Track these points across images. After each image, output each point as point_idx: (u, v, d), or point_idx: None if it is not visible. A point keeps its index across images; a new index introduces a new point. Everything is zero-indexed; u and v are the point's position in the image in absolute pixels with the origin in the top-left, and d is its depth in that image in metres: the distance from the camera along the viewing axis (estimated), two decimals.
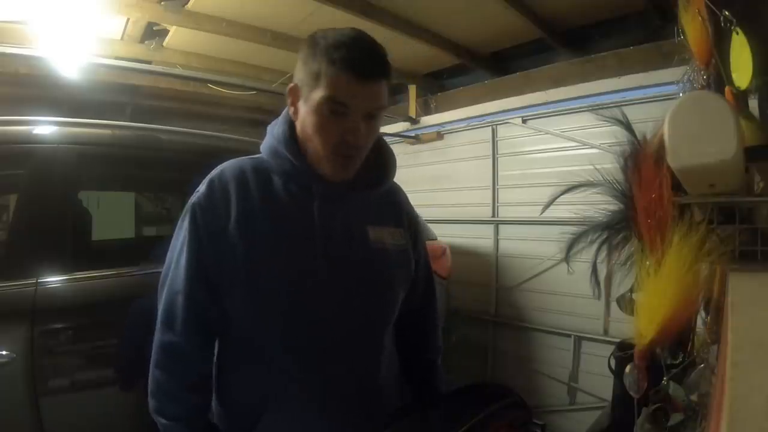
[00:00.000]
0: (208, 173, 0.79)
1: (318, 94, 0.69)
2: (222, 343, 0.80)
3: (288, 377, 0.75)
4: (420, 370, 0.96)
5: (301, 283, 0.74)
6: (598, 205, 0.79)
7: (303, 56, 0.72)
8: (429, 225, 2.18)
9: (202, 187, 0.76)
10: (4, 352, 1.07)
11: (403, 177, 0.94)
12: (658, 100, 2.16)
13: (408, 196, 0.96)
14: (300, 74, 0.73)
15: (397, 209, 0.89)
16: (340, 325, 0.76)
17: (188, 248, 0.74)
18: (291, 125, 0.78)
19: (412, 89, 3.35)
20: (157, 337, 0.75)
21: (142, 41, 2.77)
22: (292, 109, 0.76)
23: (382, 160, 0.85)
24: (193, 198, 0.76)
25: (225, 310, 0.75)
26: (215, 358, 0.80)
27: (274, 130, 0.80)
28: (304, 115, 0.73)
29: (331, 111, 0.70)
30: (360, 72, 0.68)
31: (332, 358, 0.75)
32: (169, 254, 0.77)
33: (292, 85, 0.75)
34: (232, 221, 0.73)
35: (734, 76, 0.70)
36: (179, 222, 0.77)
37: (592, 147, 2.43)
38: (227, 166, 0.79)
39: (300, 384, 0.75)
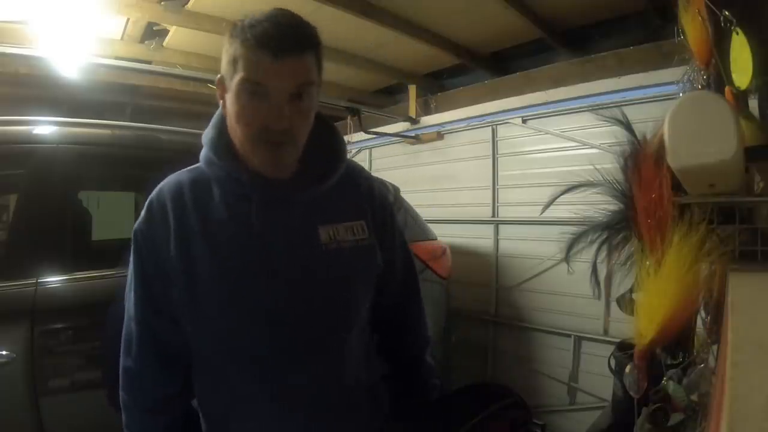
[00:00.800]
0: None
1: (236, 76, 0.64)
2: (191, 357, 0.77)
3: (249, 394, 0.72)
4: (405, 368, 0.91)
5: (246, 303, 0.69)
6: (598, 205, 0.79)
7: (225, 44, 0.66)
8: (429, 225, 2.18)
9: (143, 212, 0.73)
10: (4, 352, 1.07)
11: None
12: (658, 100, 2.15)
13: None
14: (222, 64, 0.67)
15: (357, 198, 0.80)
16: (297, 338, 0.71)
17: (135, 276, 0.72)
18: (221, 128, 0.72)
19: (412, 89, 3.35)
20: (120, 361, 0.75)
21: (142, 41, 2.77)
22: (221, 104, 0.71)
23: (329, 150, 0.77)
24: (136, 224, 0.73)
25: (181, 332, 0.72)
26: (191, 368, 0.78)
27: (207, 135, 0.74)
28: (228, 108, 0.68)
29: (250, 94, 0.63)
30: (274, 48, 0.61)
31: (292, 369, 0.71)
32: (127, 278, 0.75)
33: (218, 77, 0.69)
34: (172, 246, 0.69)
35: (734, 76, 0.70)
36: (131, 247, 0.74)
37: (592, 147, 2.43)
38: (165, 184, 0.74)
39: (261, 401, 0.72)
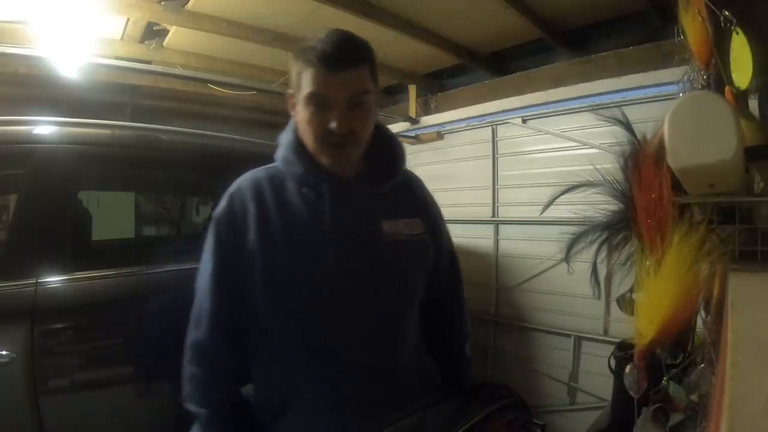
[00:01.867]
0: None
1: (302, 93, 0.76)
2: (254, 338, 0.85)
3: (308, 374, 0.80)
4: (446, 358, 0.98)
5: (316, 282, 0.79)
6: (598, 205, 0.79)
7: (292, 64, 0.80)
8: None
9: (222, 202, 0.84)
10: (4, 352, 1.07)
11: None
12: (658, 100, 2.15)
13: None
14: (291, 80, 0.80)
15: (413, 200, 0.92)
16: (358, 320, 0.80)
17: (212, 258, 0.82)
18: (296, 133, 0.84)
19: (412, 89, 3.35)
20: (189, 334, 0.84)
21: (142, 41, 2.77)
22: (293, 113, 0.83)
23: (390, 154, 0.89)
24: (216, 212, 0.84)
25: (248, 312, 0.81)
26: (253, 350, 0.86)
27: (283, 138, 0.86)
28: (298, 115, 0.80)
29: (314, 105, 0.75)
30: (330, 64, 0.73)
31: (351, 352, 0.79)
32: (200, 264, 0.85)
33: (289, 92, 0.82)
34: (251, 231, 0.79)
35: (734, 76, 0.70)
36: (207, 234, 0.84)
37: (592, 147, 2.43)
38: (244, 179, 0.85)
39: (320, 381, 0.79)
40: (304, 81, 0.76)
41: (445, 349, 0.99)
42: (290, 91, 0.82)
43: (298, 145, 0.82)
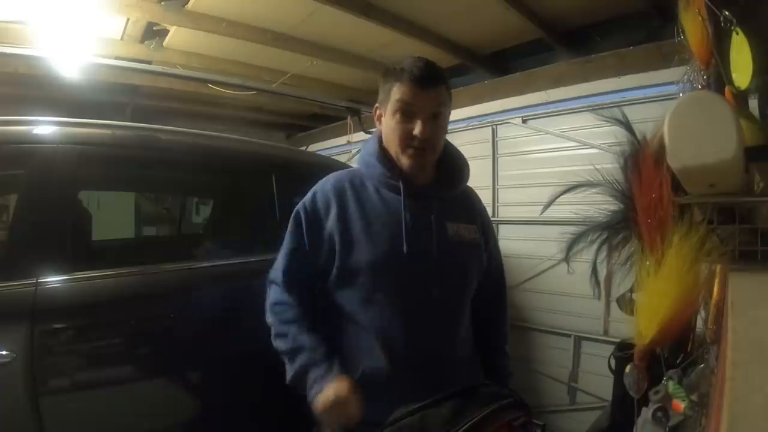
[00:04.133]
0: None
1: (392, 100, 0.92)
2: (326, 321, 0.97)
3: (370, 355, 0.90)
4: (487, 354, 1.10)
5: (391, 268, 0.91)
6: (598, 205, 0.79)
7: (381, 83, 0.97)
8: None
9: (308, 196, 0.99)
10: (4, 352, 1.07)
11: None
12: (658, 100, 2.15)
13: None
14: (380, 96, 0.97)
15: (471, 209, 1.07)
16: (424, 306, 0.92)
17: (289, 239, 0.99)
18: (380, 141, 0.99)
19: None
20: (267, 301, 1.00)
21: (142, 41, 2.76)
22: (378, 125, 1.00)
23: (457, 167, 1.04)
24: (300, 204, 0.99)
25: (321, 287, 0.97)
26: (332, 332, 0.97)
27: (367, 146, 1.03)
28: (385, 124, 0.96)
29: (402, 112, 0.91)
30: (419, 80, 0.90)
31: (415, 336, 0.91)
32: (280, 252, 1.01)
33: (376, 105, 0.99)
34: (331, 219, 0.94)
35: (734, 76, 0.70)
36: (289, 224, 0.99)
37: (592, 147, 2.43)
38: (328, 179, 1.01)
39: (382, 361, 0.90)
40: (394, 95, 0.92)
41: (489, 346, 1.10)
42: (377, 105, 0.99)
43: (381, 152, 0.98)
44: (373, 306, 0.91)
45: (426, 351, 0.92)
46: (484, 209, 1.12)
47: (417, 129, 0.90)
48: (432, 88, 0.92)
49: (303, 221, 0.97)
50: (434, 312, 0.94)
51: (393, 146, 0.95)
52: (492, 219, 2.85)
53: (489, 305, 1.10)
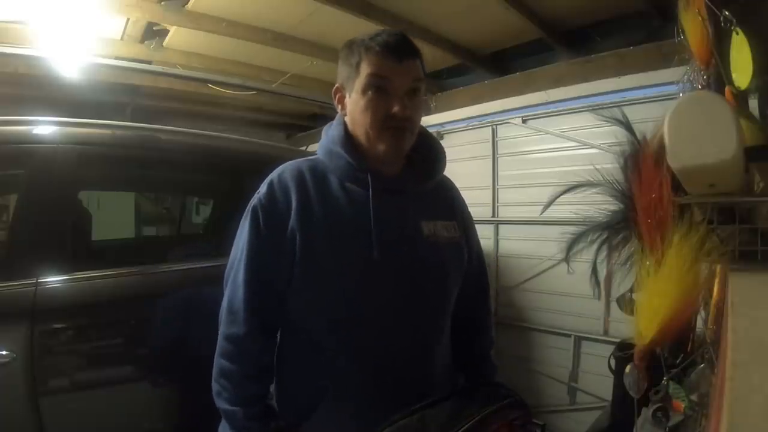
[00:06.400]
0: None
1: (362, 75, 0.78)
2: (282, 336, 0.85)
3: (339, 374, 0.79)
4: (471, 360, 0.99)
5: (355, 272, 0.78)
6: (598, 205, 0.78)
7: (342, 57, 0.82)
8: None
9: (262, 189, 0.82)
10: (4, 352, 1.07)
11: None
12: (658, 100, 2.15)
13: None
14: (341, 73, 0.83)
15: (450, 203, 0.94)
16: (397, 313, 0.80)
17: (248, 246, 0.79)
18: (345, 126, 0.84)
19: None
20: (221, 329, 0.81)
21: (142, 41, 2.77)
22: (340, 108, 0.85)
23: (431, 155, 0.91)
24: (254, 200, 0.82)
25: (284, 303, 0.80)
26: (276, 349, 0.85)
27: (330, 132, 0.87)
28: (352, 105, 0.81)
29: (375, 87, 0.77)
30: (395, 51, 0.77)
31: (389, 341, 0.79)
32: (232, 252, 0.83)
33: (336, 86, 0.85)
34: (292, 215, 0.78)
35: (734, 76, 0.70)
36: (242, 221, 0.82)
37: (592, 147, 2.43)
38: (286, 168, 0.84)
39: (353, 380, 0.79)
40: (364, 70, 0.78)
41: (472, 353, 0.99)
42: (337, 84, 0.84)
43: (347, 139, 0.83)
44: (340, 318, 0.79)
45: (403, 365, 0.81)
46: (463, 201, 0.99)
47: (396, 106, 0.77)
48: (410, 59, 0.79)
49: (261, 224, 0.80)
50: (409, 323, 0.81)
51: (364, 130, 0.80)
52: (492, 219, 2.89)
53: (470, 309, 0.98)
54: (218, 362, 0.80)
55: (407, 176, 0.86)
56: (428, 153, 0.90)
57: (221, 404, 0.79)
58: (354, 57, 0.79)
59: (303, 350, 0.82)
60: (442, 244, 0.86)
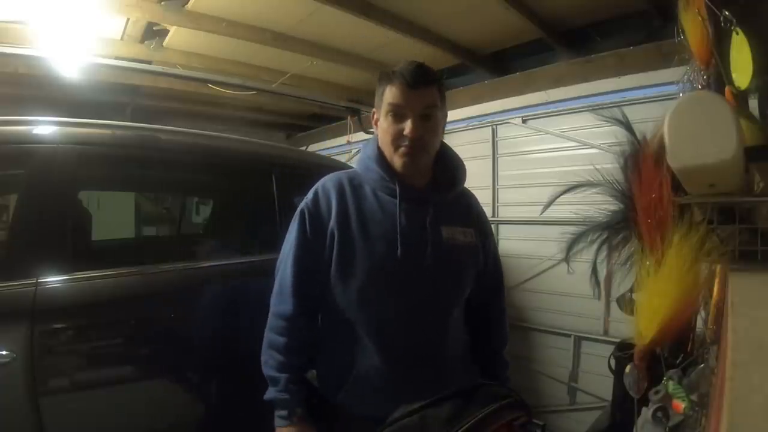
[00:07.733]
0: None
1: (384, 102, 0.94)
2: (322, 320, 1.01)
3: (366, 354, 0.93)
4: (483, 358, 1.10)
5: (386, 270, 0.93)
6: (598, 205, 0.78)
7: (376, 88, 0.98)
8: None
9: (309, 195, 1.00)
10: (4, 352, 1.07)
11: None
12: (658, 100, 2.16)
13: None
14: (376, 101, 0.99)
15: (468, 211, 1.08)
16: (417, 307, 0.94)
17: (297, 242, 0.97)
18: (376, 145, 1.00)
19: None
20: (272, 309, 0.98)
21: (142, 41, 2.76)
22: (375, 129, 1.01)
23: (452, 170, 1.05)
24: (302, 204, 0.99)
25: (324, 291, 0.96)
26: (318, 330, 1.00)
27: (366, 148, 1.04)
28: (380, 127, 0.98)
29: (393, 114, 0.93)
30: (408, 81, 0.91)
31: (409, 332, 0.93)
32: (283, 247, 1.01)
33: (373, 111, 1.01)
34: (332, 220, 0.95)
35: (734, 76, 0.70)
36: (291, 222, 1.00)
37: (592, 147, 2.43)
38: (329, 178, 1.02)
39: (377, 361, 0.92)
40: (386, 98, 0.94)
41: (484, 349, 1.11)
42: (374, 109, 1.01)
43: (379, 155, 0.98)
44: (367, 306, 0.93)
45: (418, 350, 0.94)
46: (482, 211, 1.13)
47: (407, 129, 0.92)
48: (421, 88, 0.93)
49: (308, 221, 0.97)
50: (426, 313, 0.96)
51: (387, 148, 0.96)
52: (492, 219, 2.88)
53: (485, 308, 1.11)
54: (268, 336, 0.97)
55: (431, 188, 1.00)
56: (448, 167, 1.04)
57: (268, 371, 0.95)
58: (381, 86, 0.96)
59: (337, 331, 0.96)
60: (458, 247, 0.99)
